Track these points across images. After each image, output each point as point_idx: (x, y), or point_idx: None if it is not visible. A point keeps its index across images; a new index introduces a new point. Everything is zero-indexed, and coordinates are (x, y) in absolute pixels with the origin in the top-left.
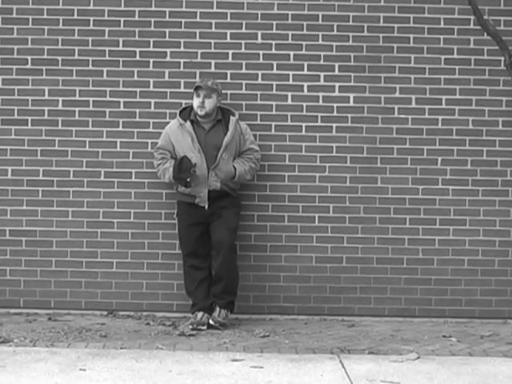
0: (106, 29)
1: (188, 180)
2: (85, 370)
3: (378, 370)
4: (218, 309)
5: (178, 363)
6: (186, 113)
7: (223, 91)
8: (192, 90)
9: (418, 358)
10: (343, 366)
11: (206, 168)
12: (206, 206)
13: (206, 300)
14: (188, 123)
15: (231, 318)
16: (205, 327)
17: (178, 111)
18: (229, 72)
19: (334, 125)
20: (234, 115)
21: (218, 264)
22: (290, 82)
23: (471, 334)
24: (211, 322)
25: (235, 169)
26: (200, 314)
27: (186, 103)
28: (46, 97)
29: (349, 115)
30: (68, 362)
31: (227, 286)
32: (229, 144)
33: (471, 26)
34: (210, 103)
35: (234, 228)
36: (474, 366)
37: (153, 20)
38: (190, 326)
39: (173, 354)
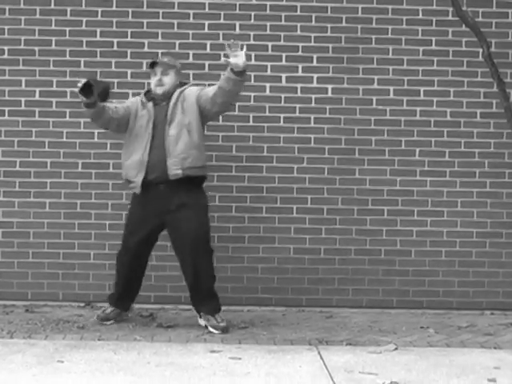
0: (84, 19)
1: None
2: (63, 361)
3: (356, 361)
4: (209, 317)
5: (156, 355)
6: (150, 95)
7: (203, 80)
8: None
9: (396, 349)
10: (321, 358)
11: (147, 154)
12: (138, 191)
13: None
14: (150, 104)
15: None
16: (109, 322)
17: (142, 92)
18: (207, 63)
19: (312, 116)
20: (181, 87)
21: (191, 274)
22: (268, 72)
23: (449, 325)
24: (211, 329)
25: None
26: (110, 309)
27: None
28: (23, 87)
29: (327, 106)
30: (46, 353)
31: (207, 292)
32: (172, 120)
33: (450, 18)
34: (168, 80)
35: (204, 229)
36: (451, 356)
37: (130, 10)
38: (95, 318)
39: (151, 345)
